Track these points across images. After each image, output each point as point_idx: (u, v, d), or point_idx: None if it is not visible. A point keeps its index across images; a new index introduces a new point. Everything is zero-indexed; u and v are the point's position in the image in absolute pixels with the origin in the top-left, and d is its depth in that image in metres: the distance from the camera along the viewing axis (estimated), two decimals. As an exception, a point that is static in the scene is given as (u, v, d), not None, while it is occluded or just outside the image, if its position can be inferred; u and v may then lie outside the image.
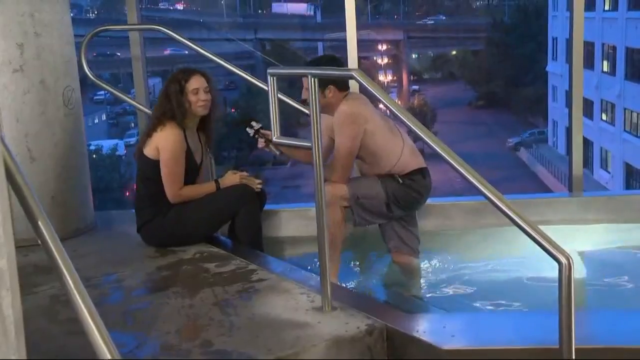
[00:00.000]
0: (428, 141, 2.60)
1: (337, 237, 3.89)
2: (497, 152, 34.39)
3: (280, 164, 32.56)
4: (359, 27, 4.81)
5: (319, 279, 3.19)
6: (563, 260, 2.24)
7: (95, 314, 1.82)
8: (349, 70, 2.99)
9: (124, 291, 3.55)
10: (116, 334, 2.92)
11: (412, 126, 2.69)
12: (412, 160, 3.98)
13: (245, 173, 4.21)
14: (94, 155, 27.62)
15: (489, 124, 37.32)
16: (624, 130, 28.97)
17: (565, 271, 2.24)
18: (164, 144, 4.01)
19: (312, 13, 49.95)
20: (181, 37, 4.93)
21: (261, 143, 4.13)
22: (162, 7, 56.12)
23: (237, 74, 4.88)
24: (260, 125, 4.11)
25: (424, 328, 2.90)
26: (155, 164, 4.04)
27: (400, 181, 3.95)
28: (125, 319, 3.20)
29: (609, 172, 30.17)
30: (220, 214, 4.13)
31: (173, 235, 4.08)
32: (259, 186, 4.18)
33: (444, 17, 50.07)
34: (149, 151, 4.06)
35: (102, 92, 36.29)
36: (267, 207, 4.65)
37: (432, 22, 48.73)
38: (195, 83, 4.05)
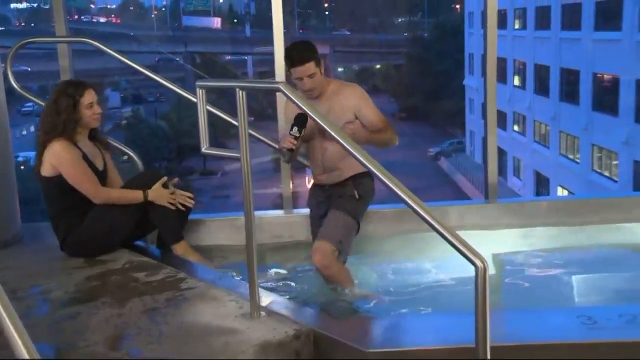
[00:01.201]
0: (352, 151, 2.60)
1: (343, 274, 3.82)
2: (418, 162, 34.89)
3: (210, 174, 32.29)
4: (287, 41, 4.80)
5: (247, 285, 3.16)
6: (479, 263, 2.27)
7: (18, 323, 1.74)
8: (276, 82, 2.98)
9: (51, 303, 3.43)
10: (42, 345, 2.83)
11: (337, 137, 2.69)
12: None
13: (173, 190, 4.07)
14: (22, 167, 26.76)
15: (410, 135, 37.92)
16: (534, 140, 29.86)
17: (480, 274, 2.27)
18: (58, 159, 3.90)
19: (219, 26, 49.98)
20: (110, 49, 4.82)
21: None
22: (92, 20, 55.10)
23: (167, 87, 4.81)
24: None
25: (349, 332, 2.90)
26: (55, 181, 3.95)
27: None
28: (51, 331, 3.08)
29: (521, 180, 31.03)
30: (130, 220, 4.03)
31: (93, 242, 3.98)
32: (191, 202, 4.11)
33: (348, 33, 50.73)
34: (45, 171, 3.96)
35: (30, 104, 35.28)
36: (197, 216, 4.61)
37: (348, 33, 49.53)
38: (89, 97, 3.98)
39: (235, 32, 51.36)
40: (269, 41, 4.84)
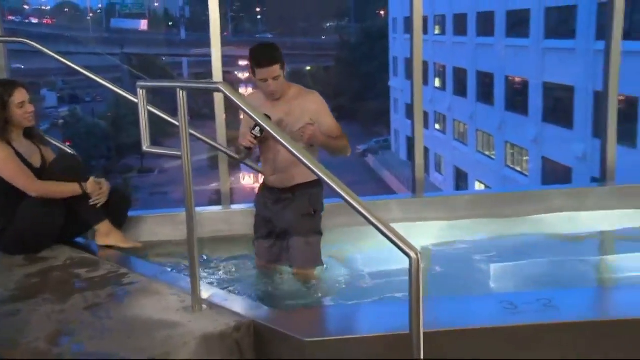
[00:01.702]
0: (291, 149, 2.57)
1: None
2: (347, 158, 34.96)
3: (148, 172, 31.75)
4: (222, 43, 4.73)
5: (188, 279, 3.10)
6: (412, 255, 2.27)
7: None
8: (215, 83, 2.92)
9: (-9, 301, 3.29)
10: (-16, 343, 2.70)
11: (274, 135, 2.65)
12: None
13: (102, 185, 3.94)
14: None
15: (339, 133, 38.04)
16: (454, 138, 30.44)
17: (414, 264, 2.27)
18: None
19: (146, 28, 49.29)
20: (47, 49, 4.65)
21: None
22: (24, 21, 53.25)
23: (105, 87, 4.66)
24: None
25: (289, 322, 2.88)
26: None
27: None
28: (-8, 328, 2.95)
29: (442, 175, 31.60)
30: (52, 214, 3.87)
31: (24, 239, 3.82)
32: (100, 201, 3.94)
33: (270, 36, 50.70)
34: None
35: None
36: (137, 212, 4.50)
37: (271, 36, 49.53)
38: (20, 96, 3.83)
39: (170, 35, 50.59)
40: (204, 43, 4.77)
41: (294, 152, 2.53)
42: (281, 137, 2.61)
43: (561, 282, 3.80)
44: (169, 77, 35.50)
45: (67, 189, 3.86)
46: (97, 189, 3.90)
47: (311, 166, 2.50)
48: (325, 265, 3.91)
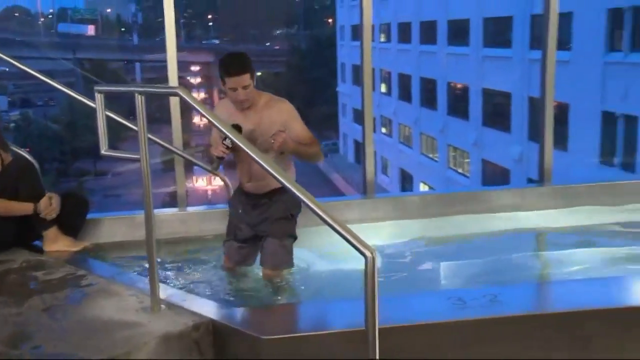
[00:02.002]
0: (249, 152, 2.55)
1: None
2: (298, 162, 35.00)
3: (102, 175, 31.12)
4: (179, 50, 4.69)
5: (146, 280, 3.05)
6: (368, 254, 2.28)
7: None
8: (174, 87, 2.87)
9: (-54, 304, 3.17)
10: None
11: (232, 137, 2.63)
12: None
13: (53, 201, 3.83)
14: None
15: (289, 137, 37.97)
16: (399, 141, 30.73)
17: (370, 263, 2.28)
18: None
19: (93, 33, 48.48)
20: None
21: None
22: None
23: (61, 91, 4.55)
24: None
25: (246, 320, 2.86)
26: None
27: None
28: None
29: (389, 177, 31.85)
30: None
31: None
32: (50, 216, 3.85)
33: (217, 42, 50.26)
34: None
35: None
36: (95, 215, 4.41)
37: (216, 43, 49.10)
38: None
39: (123, 40, 49.73)
40: (156, 49, 4.73)
41: (253, 154, 2.51)
42: (239, 140, 2.59)
43: (505, 278, 3.86)
44: (123, 81, 34.89)
45: (17, 208, 3.76)
46: (48, 204, 3.80)
47: (267, 167, 2.49)
48: (294, 267, 3.84)
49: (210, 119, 2.73)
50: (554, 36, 5.04)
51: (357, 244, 2.30)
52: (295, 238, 3.84)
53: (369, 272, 2.28)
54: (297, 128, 3.69)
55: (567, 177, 5.49)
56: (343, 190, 30.65)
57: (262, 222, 3.79)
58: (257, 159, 2.54)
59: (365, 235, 2.34)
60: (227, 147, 3.47)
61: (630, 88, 15.75)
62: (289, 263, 3.78)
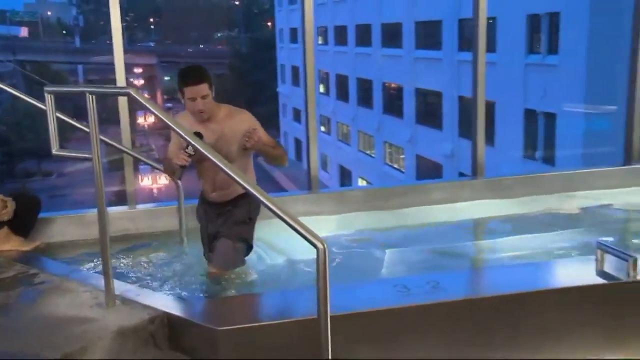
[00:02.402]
0: (202, 149, 2.52)
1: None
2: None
3: (47, 175, 30.15)
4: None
5: (99, 277, 2.97)
6: (320, 245, 2.29)
7: None
8: (125, 88, 2.81)
9: None
10: None
11: (184, 135, 2.59)
12: None
13: (7, 204, 3.74)
14: None
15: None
16: (338, 139, 30.87)
17: (321, 254, 2.29)
18: None
19: (27, 35, 47.14)
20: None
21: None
22: None
23: (5, 91, 4.38)
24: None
25: (201, 313, 2.83)
26: None
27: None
28: None
29: (328, 173, 31.97)
30: None
31: None
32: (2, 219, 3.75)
33: (152, 44, 49.41)
34: None
35: None
36: (46, 214, 4.28)
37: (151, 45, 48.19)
38: None
39: (65, 43, 48.32)
40: (98, 51, 4.63)
41: (209, 154, 2.49)
42: (198, 143, 2.55)
43: (445, 265, 3.93)
44: (66, 83, 33.90)
45: None
46: (2, 207, 3.67)
47: (224, 168, 2.47)
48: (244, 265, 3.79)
49: (162, 117, 2.68)
50: (483, 38, 5.16)
51: (308, 236, 2.30)
52: (249, 246, 3.77)
53: (320, 263, 2.29)
54: (261, 135, 3.62)
55: (495, 171, 5.64)
56: (285, 186, 30.60)
57: (223, 225, 3.73)
58: (212, 158, 2.51)
59: (312, 228, 2.35)
60: (189, 155, 3.37)
61: (548, 87, 16.27)
62: (237, 264, 3.70)
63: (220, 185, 3.70)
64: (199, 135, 3.35)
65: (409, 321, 2.76)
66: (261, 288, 3.56)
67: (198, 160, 3.56)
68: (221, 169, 2.53)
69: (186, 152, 3.38)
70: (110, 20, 4.52)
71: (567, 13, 15.50)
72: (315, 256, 2.29)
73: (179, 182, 4.32)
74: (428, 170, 21.80)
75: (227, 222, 3.71)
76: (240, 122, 3.61)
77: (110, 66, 4.64)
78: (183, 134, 2.63)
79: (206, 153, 2.55)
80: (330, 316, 2.33)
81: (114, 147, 4.23)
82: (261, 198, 2.45)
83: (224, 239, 3.67)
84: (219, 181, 3.68)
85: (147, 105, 2.65)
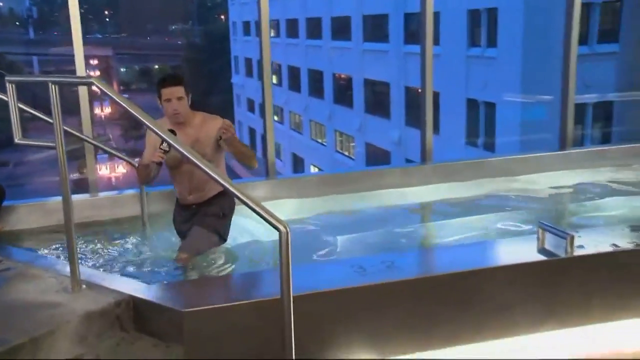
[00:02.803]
0: (165, 138, 2.48)
1: None
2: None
3: (3, 165, 29.19)
4: (70, 43, 4.48)
5: (64, 263, 2.91)
6: (282, 228, 2.29)
7: None
8: (89, 77, 2.73)
9: None
10: None
11: (148, 124, 2.54)
12: None
13: None
14: None
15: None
16: (290, 128, 30.80)
17: (284, 237, 2.29)
18: None
19: None
20: None
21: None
22: None
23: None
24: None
25: (166, 295, 2.79)
26: None
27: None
28: None
29: (282, 160, 31.91)
30: None
31: None
32: None
33: (100, 36, 48.21)
34: None
35: None
36: (7, 203, 4.16)
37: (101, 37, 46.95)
38: None
39: (19, 34, 46.67)
40: (53, 43, 4.51)
41: (179, 148, 2.45)
42: (174, 140, 2.50)
43: (398, 245, 3.98)
44: (21, 73, 32.82)
45: None
46: None
47: (192, 159, 2.44)
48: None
49: (126, 106, 2.61)
50: (430, 31, 5.21)
51: (271, 220, 2.30)
52: (222, 239, 3.75)
53: (283, 245, 2.30)
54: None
55: (440, 157, 5.73)
56: (240, 173, 30.38)
57: (196, 218, 3.74)
58: (180, 148, 2.47)
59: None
60: (164, 152, 3.40)
61: (488, 79, 16.57)
62: (204, 251, 3.68)
63: (197, 187, 3.70)
64: (172, 132, 3.32)
65: (366, 299, 2.78)
66: (226, 271, 3.54)
67: (173, 166, 3.60)
68: (184, 156, 2.49)
69: (161, 148, 3.40)
70: (64, 12, 4.40)
71: (504, 8, 15.80)
72: (278, 239, 2.29)
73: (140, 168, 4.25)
74: (377, 157, 21.97)
75: (201, 216, 3.72)
76: (215, 126, 3.63)
77: (66, 57, 4.53)
78: (142, 118, 2.57)
79: (176, 145, 2.50)
80: (293, 296, 2.33)
81: (76, 136, 4.13)
82: (225, 184, 2.43)
83: (197, 227, 3.67)
84: (195, 183, 3.69)
85: (110, 94, 2.58)
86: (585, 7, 5.32)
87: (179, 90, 3.55)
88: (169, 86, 3.53)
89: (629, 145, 5.89)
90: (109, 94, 2.60)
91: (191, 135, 3.61)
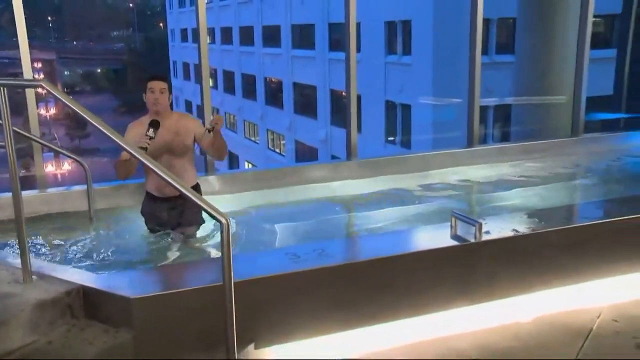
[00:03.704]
0: (112, 137, 2.41)
1: None
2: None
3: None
4: (15, 47, 4.29)
5: (15, 255, 2.77)
6: (223, 220, 2.26)
7: None
8: (38, 80, 2.60)
9: None
10: None
11: (98, 126, 2.45)
12: None
13: None
14: None
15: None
16: (226, 127, 30.39)
17: (225, 228, 2.27)
18: None
19: None
20: None
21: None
22: None
23: None
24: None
25: (115, 283, 2.70)
26: None
27: None
28: None
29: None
30: None
31: None
32: None
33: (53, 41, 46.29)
34: None
35: None
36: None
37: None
38: None
39: (-39, 37, 43.88)
40: None
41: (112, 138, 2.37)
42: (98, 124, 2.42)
43: (328, 235, 4.00)
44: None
45: None
46: None
47: (138, 156, 2.37)
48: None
49: (75, 108, 2.52)
50: (354, 39, 5.27)
51: (212, 212, 2.27)
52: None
53: (224, 235, 2.27)
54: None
55: (363, 154, 5.80)
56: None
57: (186, 219, 3.79)
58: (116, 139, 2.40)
59: (219, 206, 2.32)
60: (150, 138, 3.45)
61: (404, 83, 16.94)
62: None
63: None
64: (156, 122, 3.50)
65: (301, 284, 2.79)
66: (171, 260, 3.47)
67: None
68: (119, 144, 2.43)
69: (147, 135, 3.44)
70: (6, 16, 4.18)
71: (417, 20, 16.17)
72: (219, 230, 2.27)
73: (86, 165, 4.12)
74: (305, 154, 22.06)
75: (186, 215, 3.77)
76: (190, 121, 3.83)
77: (9, 60, 4.32)
78: (83, 114, 2.48)
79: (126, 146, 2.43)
80: (234, 282, 2.32)
81: (25, 136, 3.93)
82: (169, 180, 2.38)
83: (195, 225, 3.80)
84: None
85: (59, 96, 2.48)
86: (485, 22, 5.50)
87: (162, 84, 3.68)
88: (154, 80, 3.68)
89: (524, 143, 6.15)
90: (59, 97, 2.49)
91: (171, 128, 3.70)
